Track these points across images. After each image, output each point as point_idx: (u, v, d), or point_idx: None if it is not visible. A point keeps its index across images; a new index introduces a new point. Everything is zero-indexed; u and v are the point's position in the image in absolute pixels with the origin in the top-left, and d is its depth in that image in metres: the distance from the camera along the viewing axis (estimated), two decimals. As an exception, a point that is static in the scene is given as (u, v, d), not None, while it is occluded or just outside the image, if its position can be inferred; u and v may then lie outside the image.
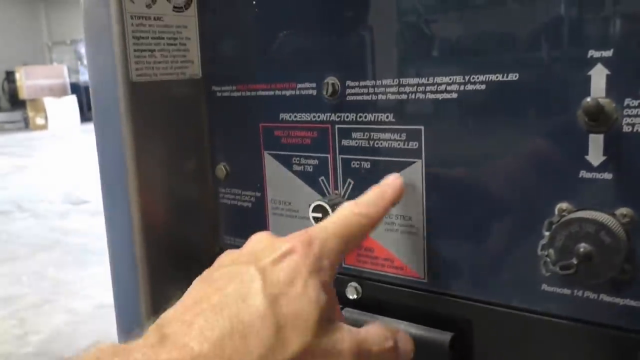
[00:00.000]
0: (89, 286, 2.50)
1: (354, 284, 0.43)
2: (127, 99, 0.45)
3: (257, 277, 0.29)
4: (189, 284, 0.53)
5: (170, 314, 0.29)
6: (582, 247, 0.31)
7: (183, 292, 0.52)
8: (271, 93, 0.45)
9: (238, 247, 0.50)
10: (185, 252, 0.52)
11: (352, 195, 0.42)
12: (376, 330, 0.33)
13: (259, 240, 0.34)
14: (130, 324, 0.51)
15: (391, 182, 0.37)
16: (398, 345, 0.34)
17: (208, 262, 0.54)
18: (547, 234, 0.33)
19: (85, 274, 2.65)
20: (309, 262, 0.31)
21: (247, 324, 0.28)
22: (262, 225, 0.48)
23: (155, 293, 0.50)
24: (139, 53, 0.45)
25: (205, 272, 0.32)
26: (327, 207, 0.41)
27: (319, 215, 0.42)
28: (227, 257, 0.33)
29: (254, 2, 0.45)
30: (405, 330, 0.40)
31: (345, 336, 0.31)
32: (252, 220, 0.49)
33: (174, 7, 0.47)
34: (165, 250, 0.51)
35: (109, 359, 0.26)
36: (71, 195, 4.11)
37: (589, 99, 0.30)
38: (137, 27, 0.44)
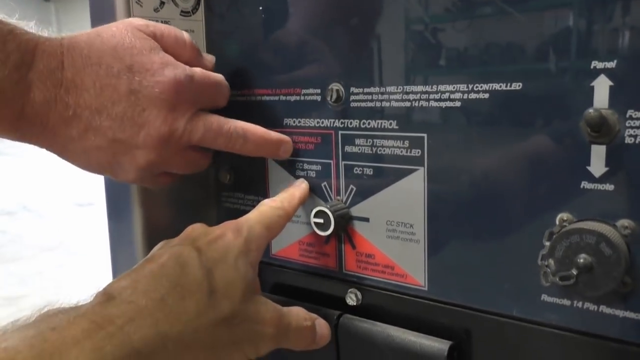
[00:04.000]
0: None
1: (353, 290, 0.43)
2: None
3: (194, 252, 0.35)
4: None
5: (114, 282, 0.32)
6: (582, 258, 0.31)
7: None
8: (276, 98, 0.46)
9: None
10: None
11: (354, 202, 0.42)
12: (297, 311, 0.40)
13: (193, 229, 0.38)
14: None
15: (298, 185, 0.44)
16: (315, 328, 0.40)
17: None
18: (547, 244, 0.33)
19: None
20: (238, 244, 0.37)
21: (185, 288, 0.33)
22: (264, 230, 0.48)
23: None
24: (146, 56, 0.45)
25: (144, 259, 0.36)
26: (329, 212, 0.41)
27: (321, 220, 0.42)
28: (164, 243, 0.38)
29: (260, 8, 0.45)
30: (402, 338, 0.40)
31: (269, 307, 0.37)
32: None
33: (182, 11, 0.47)
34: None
35: (57, 312, 0.29)
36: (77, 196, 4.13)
37: (591, 110, 0.30)
38: (144, 31, 0.45)
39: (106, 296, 0.31)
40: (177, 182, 0.49)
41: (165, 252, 0.35)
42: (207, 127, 0.41)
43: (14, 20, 0.36)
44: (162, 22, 0.46)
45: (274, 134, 0.44)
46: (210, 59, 0.46)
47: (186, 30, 0.48)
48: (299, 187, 0.44)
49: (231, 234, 0.37)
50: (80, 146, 0.39)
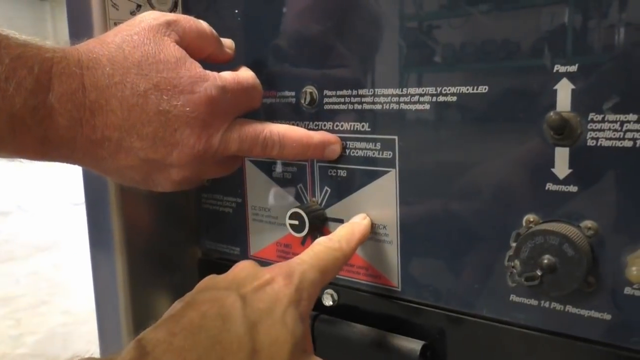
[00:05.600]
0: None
1: (330, 291, 0.44)
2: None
3: (238, 302, 0.31)
4: (171, 289, 0.54)
5: (150, 332, 0.29)
6: (546, 258, 0.31)
7: (164, 298, 0.53)
8: (252, 101, 0.46)
9: (219, 252, 0.51)
10: (167, 257, 0.53)
11: (329, 203, 0.43)
12: None
13: (242, 269, 0.34)
14: (111, 330, 0.51)
15: (359, 222, 0.40)
16: None
17: (190, 267, 0.54)
18: (514, 245, 0.33)
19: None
20: (289, 293, 0.32)
21: (225, 347, 0.29)
22: (243, 231, 0.49)
23: (136, 298, 0.50)
24: (122, 59, 0.45)
25: (187, 295, 0.33)
26: (304, 214, 0.42)
27: (296, 222, 0.42)
28: (209, 281, 0.34)
29: (236, 11, 0.45)
30: (377, 338, 0.40)
31: None
32: (233, 226, 0.50)
33: (159, 14, 0.47)
34: (146, 256, 0.51)
35: None
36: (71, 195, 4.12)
37: (552, 113, 0.30)
38: (120, 34, 0.45)
39: (140, 351, 0.28)
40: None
41: (208, 298, 0.31)
42: (242, 139, 0.39)
43: (22, 37, 0.33)
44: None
45: (316, 137, 0.41)
46: (229, 44, 0.43)
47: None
48: (360, 225, 0.40)
49: (282, 280, 0.33)
50: (112, 165, 0.37)
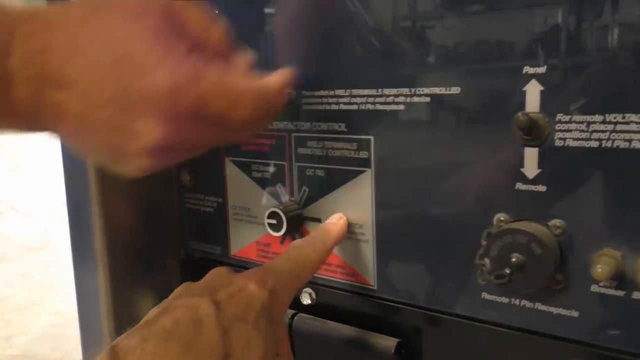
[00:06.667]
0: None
1: (308, 289, 0.44)
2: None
3: (212, 307, 0.31)
4: (154, 289, 0.54)
5: (123, 339, 0.29)
6: (514, 257, 0.32)
7: (147, 298, 0.53)
8: (232, 101, 0.46)
9: (202, 251, 0.52)
10: (150, 258, 0.53)
11: (307, 203, 0.43)
12: None
13: (216, 275, 0.35)
14: (94, 331, 0.51)
15: (335, 222, 0.40)
16: None
17: (173, 267, 0.54)
18: (484, 243, 0.34)
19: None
20: (261, 297, 0.33)
21: (198, 352, 0.29)
22: (224, 231, 0.49)
23: (118, 299, 0.51)
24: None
25: (163, 301, 0.33)
26: (282, 213, 0.42)
27: (274, 221, 0.42)
28: (184, 288, 0.34)
29: (217, 11, 0.46)
30: (353, 336, 0.41)
31: None
32: (214, 225, 0.50)
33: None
34: (129, 256, 0.51)
35: None
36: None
37: (520, 114, 0.31)
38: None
39: (112, 357, 0.28)
40: (139, 182, 0.50)
41: (182, 304, 0.31)
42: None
43: None
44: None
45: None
46: (245, 58, 0.36)
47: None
48: (335, 225, 0.40)
49: (254, 286, 0.33)
50: (78, 145, 0.33)
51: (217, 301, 0.31)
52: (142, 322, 0.31)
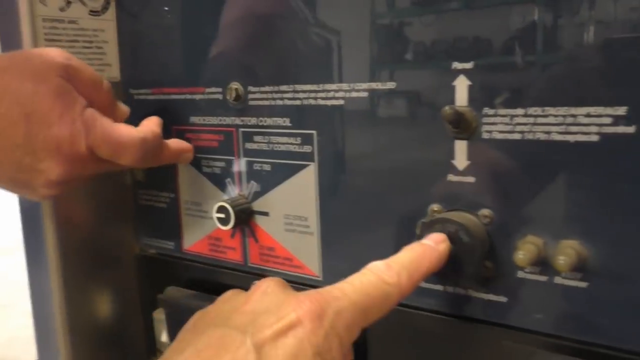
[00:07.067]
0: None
1: (254, 282, 0.45)
2: (39, 101, 0.45)
3: (252, 354, 0.25)
4: (109, 286, 0.54)
5: None
6: (444, 245, 0.33)
7: (102, 296, 0.53)
8: (182, 97, 0.47)
9: (155, 247, 0.52)
10: (104, 255, 0.53)
11: (255, 197, 0.44)
12: None
13: (264, 293, 0.30)
14: (47, 330, 0.51)
15: (433, 247, 0.32)
16: None
17: (128, 264, 0.54)
18: (418, 233, 0.35)
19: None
20: (315, 342, 0.26)
21: None
22: (176, 226, 0.50)
23: (72, 297, 0.51)
24: (51, 55, 0.45)
25: (198, 320, 0.29)
26: (229, 207, 0.43)
27: (222, 215, 0.43)
28: (226, 306, 0.30)
29: (166, 8, 0.46)
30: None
31: None
32: (167, 221, 0.50)
33: (90, 11, 0.48)
34: (83, 253, 0.51)
35: None
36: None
37: (447, 107, 0.32)
38: (49, 30, 0.45)
39: None
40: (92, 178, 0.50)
41: (216, 341, 0.26)
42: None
43: None
44: (68, 22, 0.47)
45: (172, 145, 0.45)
46: (124, 110, 0.44)
47: (95, 30, 0.49)
48: (433, 251, 0.31)
49: (309, 324, 0.26)
50: None
51: (260, 344, 0.25)
52: (169, 349, 0.28)
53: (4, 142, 0.35)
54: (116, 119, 0.41)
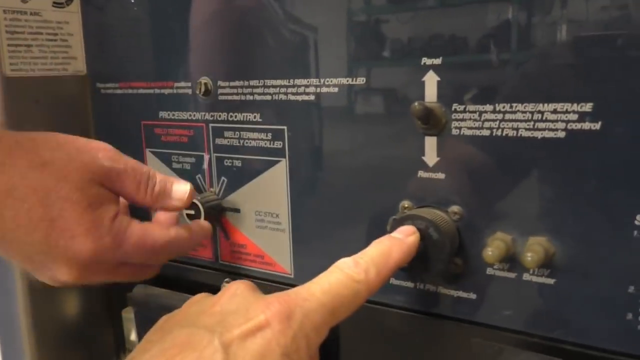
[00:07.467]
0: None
1: (228, 280, 0.44)
2: (0, 95, 0.44)
3: (219, 354, 0.25)
4: (81, 287, 0.52)
5: None
6: (414, 242, 0.33)
7: (72, 296, 0.52)
8: (151, 91, 0.46)
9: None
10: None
11: (226, 193, 0.43)
12: None
13: (233, 295, 0.29)
14: (11, 328, 0.50)
15: (402, 239, 0.31)
16: None
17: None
18: (388, 229, 0.35)
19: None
20: (283, 342, 0.26)
21: None
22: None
23: (37, 293, 0.49)
24: (13, 48, 0.44)
25: (166, 322, 0.29)
26: (199, 204, 0.42)
27: (192, 212, 0.42)
28: (194, 307, 0.30)
29: (132, 1, 0.45)
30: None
31: None
32: (137, 217, 0.49)
33: (54, 2, 0.47)
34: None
35: None
36: None
37: (416, 103, 0.32)
38: (10, 22, 0.44)
39: None
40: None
41: (184, 340, 0.26)
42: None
43: None
44: (30, 13, 0.45)
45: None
46: (206, 228, 0.40)
47: (59, 23, 0.47)
48: (402, 244, 0.31)
49: (277, 325, 0.26)
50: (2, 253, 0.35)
51: (227, 344, 0.25)
52: (136, 349, 0.27)
53: (21, 235, 0.32)
54: (169, 209, 0.38)
